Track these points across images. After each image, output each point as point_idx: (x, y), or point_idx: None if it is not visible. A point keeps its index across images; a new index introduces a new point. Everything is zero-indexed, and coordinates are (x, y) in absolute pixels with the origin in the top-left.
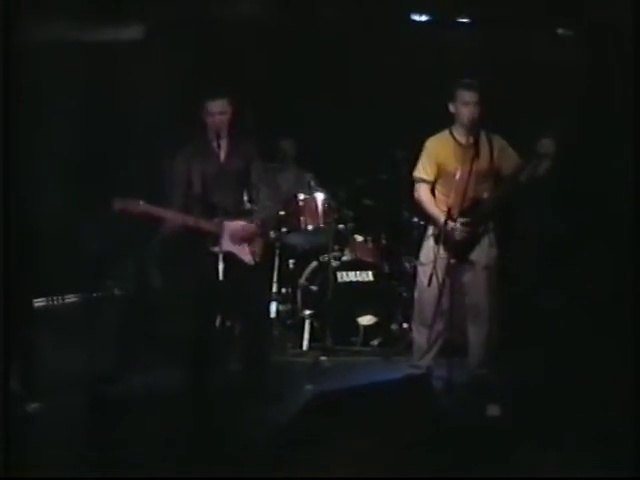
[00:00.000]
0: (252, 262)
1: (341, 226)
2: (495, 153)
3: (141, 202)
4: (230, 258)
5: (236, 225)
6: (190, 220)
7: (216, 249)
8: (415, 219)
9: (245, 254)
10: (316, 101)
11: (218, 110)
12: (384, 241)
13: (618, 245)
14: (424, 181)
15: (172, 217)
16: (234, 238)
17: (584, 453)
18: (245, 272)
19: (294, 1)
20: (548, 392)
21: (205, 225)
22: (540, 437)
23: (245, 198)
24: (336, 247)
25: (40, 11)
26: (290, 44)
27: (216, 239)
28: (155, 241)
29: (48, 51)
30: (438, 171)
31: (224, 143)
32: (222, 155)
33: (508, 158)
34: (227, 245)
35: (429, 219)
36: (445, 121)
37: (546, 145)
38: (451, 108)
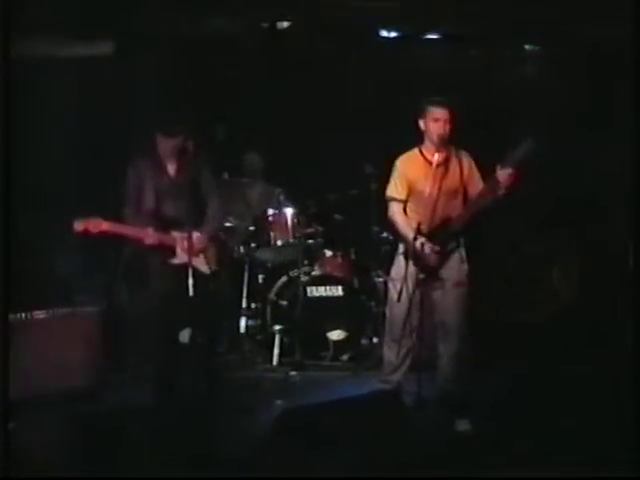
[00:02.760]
0: (208, 271)
1: (311, 241)
2: (465, 171)
3: (102, 220)
4: (187, 269)
5: (190, 236)
6: (148, 235)
7: (174, 261)
8: (385, 234)
9: (201, 264)
10: (285, 115)
11: (169, 143)
12: (354, 256)
13: (588, 260)
14: (396, 200)
15: (132, 233)
16: (189, 249)
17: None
18: (203, 282)
19: (262, 16)
20: (517, 407)
21: (161, 239)
22: (509, 451)
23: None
24: (305, 262)
25: None
26: (259, 58)
27: (173, 252)
28: (122, 256)
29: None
30: (409, 190)
31: (173, 159)
32: (172, 170)
33: (473, 180)
34: (183, 257)
35: (401, 237)
36: (415, 138)
37: (504, 176)
38: (421, 125)
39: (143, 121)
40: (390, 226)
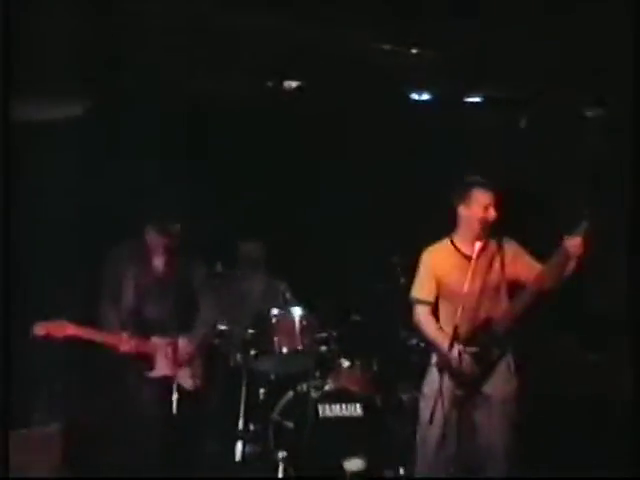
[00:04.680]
0: (192, 387)
1: (323, 348)
2: (507, 261)
3: (68, 323)
4: (167, 384)
5: (174, 344)
6: (122, 341)
7: (153, 374)
8: (415, 341)
9: (184, 378)
10: (292, 193)
11: (161, 239)
12: (376, 367)
13: None
14: (422, 302)
15: (104, 339)
16: (174, 360)
17: None
18: (185, 401)
19: (269, 75)
20: None
21: (139, 346)
22: None
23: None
24: (317, 374)
25: None
26: (267, 127)
27: (152, 362)
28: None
29: None
30: (439, 288)
31: (161, 251)
32: (159, 263)
33: (524, 266)
34: (165, 368)
35: (432, 345)
36: (446, 225)
37: (575, 245)
38: (461, 211)
39: (131, 203)
40: (417, 331)
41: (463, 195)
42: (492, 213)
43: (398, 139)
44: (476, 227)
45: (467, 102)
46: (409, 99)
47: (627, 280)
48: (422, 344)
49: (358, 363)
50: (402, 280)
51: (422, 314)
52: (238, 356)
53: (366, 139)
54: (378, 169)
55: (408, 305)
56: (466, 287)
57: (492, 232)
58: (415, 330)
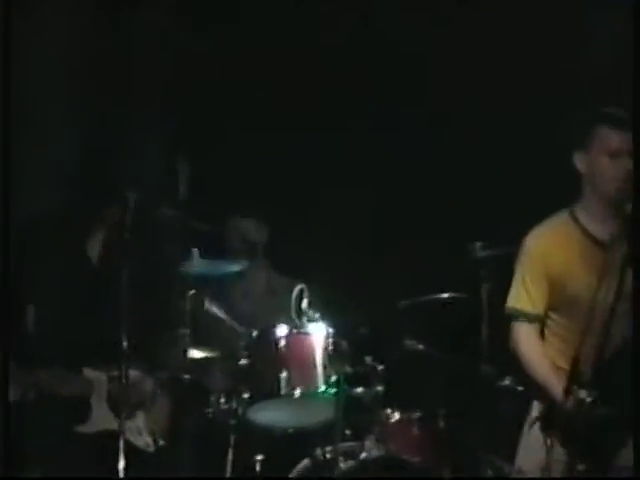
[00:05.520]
0: (151, 447)
1: (359, 390)
2: None
3: None
4: (109, 442)
5: (124, 376)
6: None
7: (87, 427)
8: (506, 381)
9: (137, 433)
10: (304, 150)
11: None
12: (443, 422)
13: None
14: (527, 316)
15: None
16: (122, 403)
17: None
18: (138, 467)
19: None
20: None
21: (64, 381)
22: None
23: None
24: (348, 431)
25: None
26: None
27: (87, 406)
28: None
29: None
30: (552, 294)
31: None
32: (94, 250)
33: None
34: (106, 419)
35: (534, 384)
36: (564, 193)
37: None
38: (579, 164)
39: None
40: (516, 360)
41: (584, 137)
42: (628, 166)
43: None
44: (610, 191)
45: None
46: None
47: None
48: (519, 388)
49: (415, 415)
50: (485, 285)
51: (524, 335)
52: (221, 400)
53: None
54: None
55: (494, 325)
56: (597, 293)
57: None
58: (510, 362)
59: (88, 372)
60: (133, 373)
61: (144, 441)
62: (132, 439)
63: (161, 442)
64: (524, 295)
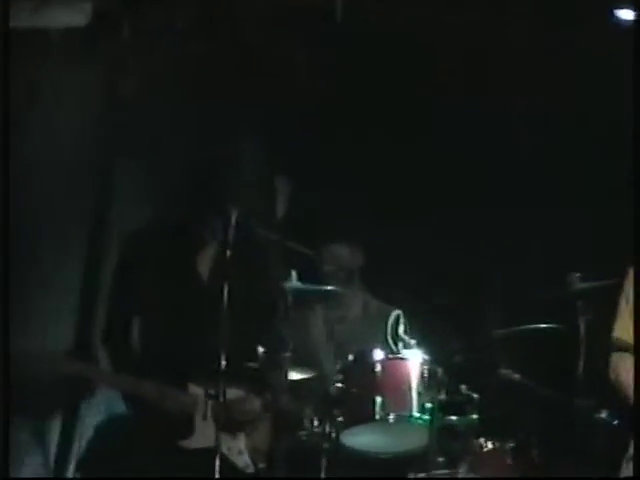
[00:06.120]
0: (250, 468)
1: (454, 418)
2: None
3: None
4: (209, 459)
5: (228, 399)
6: (143, 388)
7: (190, 443)
8: (603, 414)
9: (238, 453)
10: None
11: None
12: (536, 453)
13: None
14: (631, 348)
15: (114, 383)
16: (223, 422)
17: None
18: None
19: None
20: None
21: (170, 396)
22: None
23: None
24: (441, 459)
25: None
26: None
27: (190, 424)
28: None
29: None
30: None
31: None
32: (205, 264)
33: None
34: (208, 436)
35: (633, 418)
36: None
37: None
38: None
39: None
40: (618, 396)
41: None
42: None
43: None
44: None
45: None
46: None
47: None
48: (617, 421)
49: (509, 445)
50: (583, 316)
51: (627, 367)
52: (316, 423)
53: None
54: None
55: (595, 354)
56: None
57: None
58: (606, 395)
59: (193, 388)
60: (237, 392)
61: (244, 461)
62: (232, 458)
63: (261, 464)
64: (630, 326)
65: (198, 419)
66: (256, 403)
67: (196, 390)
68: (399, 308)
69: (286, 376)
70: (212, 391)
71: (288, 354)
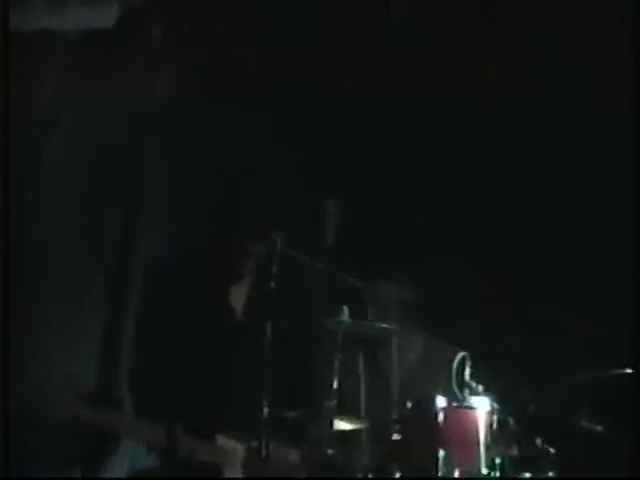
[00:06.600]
0: None
1: (527, 475)
2: None
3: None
4: None
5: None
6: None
7: None
8: None
9: None
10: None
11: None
12: None
13: None
14: None
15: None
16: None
17: None
18: None
19: None
20: None
21: (194, 449)
22: None
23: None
24: None
25: None
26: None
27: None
28: None
29: None
30: None
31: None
32: (240, 297)
33: None
34: None
35: None
36: None
37: None
38: None
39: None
40: None
41: None
42: None
43: None
44: None
45: None
46: None
47: None
48: None
49: None
50: None
51: None
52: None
53: None
54: None
55: None
56: None
57: None
58: None
59: (222, 440)
60: (274, 444)
61: None
62: None
63: None
64: None
65: (227, 473)
66: (293, 456)
67: (226, 442)
68: (464, 349)
69: (331, 426)
70: (253, 443)
71: (334, 401)
